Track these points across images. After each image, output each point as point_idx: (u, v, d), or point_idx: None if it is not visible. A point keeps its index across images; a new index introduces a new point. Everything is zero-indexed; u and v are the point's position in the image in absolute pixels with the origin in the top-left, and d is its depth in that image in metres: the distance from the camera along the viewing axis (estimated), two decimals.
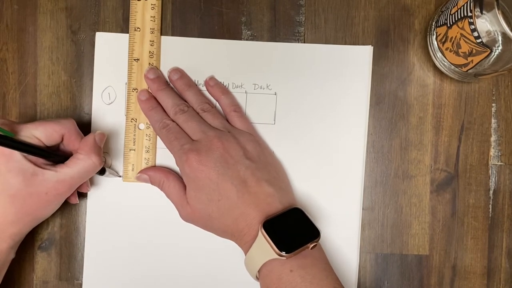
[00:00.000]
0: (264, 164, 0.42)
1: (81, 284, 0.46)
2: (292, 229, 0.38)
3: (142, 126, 0.45)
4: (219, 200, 0.40)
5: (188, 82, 0.45)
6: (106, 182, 0.46)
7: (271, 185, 0.41)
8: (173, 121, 0.43)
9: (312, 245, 0.38)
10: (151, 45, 0.45)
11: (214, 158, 0.40)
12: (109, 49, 0.46)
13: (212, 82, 0.45)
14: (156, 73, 0.45)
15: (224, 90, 0.45)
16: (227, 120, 0.44)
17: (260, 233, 0.38)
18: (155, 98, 0.45)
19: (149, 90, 0.45)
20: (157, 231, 0.46)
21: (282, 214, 0.39)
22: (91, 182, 0.45)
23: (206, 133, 0.41)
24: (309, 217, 0.40)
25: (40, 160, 0.39)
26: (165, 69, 0.46)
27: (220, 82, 0.46)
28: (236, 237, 0.41)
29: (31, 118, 0.46)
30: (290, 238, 0.38)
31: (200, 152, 0.40)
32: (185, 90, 0.45)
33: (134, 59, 0.45)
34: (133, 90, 0.45)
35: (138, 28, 0.45)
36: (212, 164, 0.40)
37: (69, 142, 0.41)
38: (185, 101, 0.44)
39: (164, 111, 0.44)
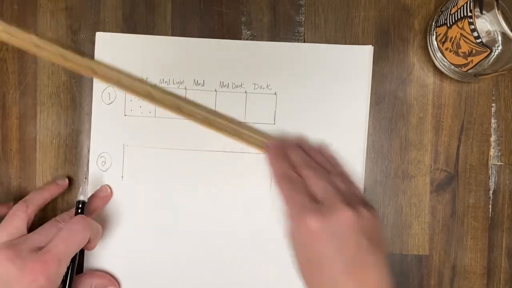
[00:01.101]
0: (376, 244, 0.36)
1: None
2: None
3: None
4: (321, 272, 0.36)
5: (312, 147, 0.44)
6: (106, 181, 0.46)
7: (378, 267, 0.36)
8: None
9: None
10: None
11: (335, 228, 0.35)
12: (109, 49, 0.46)
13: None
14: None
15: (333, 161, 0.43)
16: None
17: None
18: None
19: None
20: (157, 230, 0.46)
21: None
22: (90, 183, 0.46)
23: (333, 195, 0.37)
24: None
25: None
26: (164, 69, 0.45)
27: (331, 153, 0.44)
28: None
29: (31, 118, 0.46)
30: None
31: (324, 215, 0.35)
32: (314, 151, 0.43)
33: None
34: None
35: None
36: (331, 236, 0.35)
37: None
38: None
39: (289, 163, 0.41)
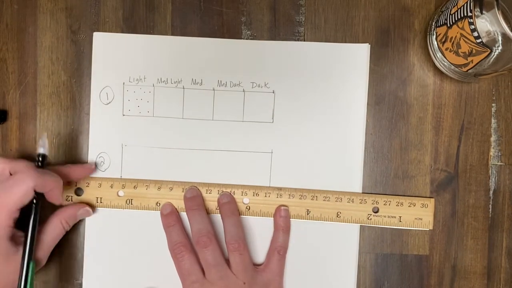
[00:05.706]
0: None
1: (81, 284, 0.46)
2: None
3: None
4: None
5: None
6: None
7: None
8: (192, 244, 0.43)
9: None
10: None
11: None
12: (107, 49, 0.46)
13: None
14: (194, 193, 0.45)
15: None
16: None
17: None
18: (177, 213, 0.45)
19: (173, 204, 0.45)
20: (155, 232, 0.46)
21: None
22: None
23: (224, 280, 0.41)
24: None
25: (19, 238, 0.40)
26: (162, 69, 0.46)
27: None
28: None
29: (31, 118, 0.46)
30: None
31: None
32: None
33: None
34: None
35: None
36: None
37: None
38: (212, 227, 0.44)
39: (183, 230, 0.44)
